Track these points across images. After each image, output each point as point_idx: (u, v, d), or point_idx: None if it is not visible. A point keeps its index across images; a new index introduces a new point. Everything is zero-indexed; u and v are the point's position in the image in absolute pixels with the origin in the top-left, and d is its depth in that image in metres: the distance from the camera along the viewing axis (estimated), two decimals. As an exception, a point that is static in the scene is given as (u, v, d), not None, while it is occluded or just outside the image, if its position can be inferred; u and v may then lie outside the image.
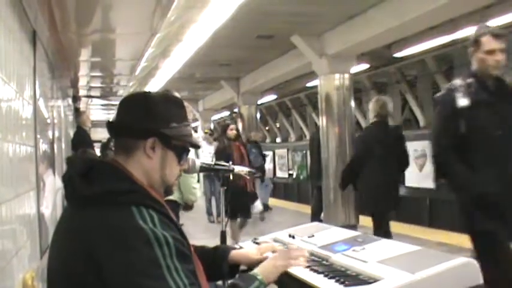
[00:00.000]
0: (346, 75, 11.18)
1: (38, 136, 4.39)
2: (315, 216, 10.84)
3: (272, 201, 15.71)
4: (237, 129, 9.26)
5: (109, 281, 1.74)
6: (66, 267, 1.85)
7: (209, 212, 12.77)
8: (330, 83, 11.15)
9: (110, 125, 2.10)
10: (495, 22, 9.47)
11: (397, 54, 12.63)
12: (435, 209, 14.35)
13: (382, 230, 6.72)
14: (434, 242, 8.33)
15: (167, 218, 1.89)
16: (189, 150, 2.16)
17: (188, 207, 5.74)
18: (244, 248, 2.64)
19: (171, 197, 5.24)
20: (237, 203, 7.84)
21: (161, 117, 2.03)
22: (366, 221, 11.38)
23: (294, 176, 20.60)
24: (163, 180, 2.06)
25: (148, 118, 2.02)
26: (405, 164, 7.52)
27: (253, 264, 2.41)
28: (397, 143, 7.18)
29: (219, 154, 8.72)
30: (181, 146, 2.10)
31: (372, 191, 6.93)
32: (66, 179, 1.97)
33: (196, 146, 2.23)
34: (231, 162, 2.98)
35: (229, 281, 2.11)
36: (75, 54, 7.79)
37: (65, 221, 2.00)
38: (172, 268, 1.77)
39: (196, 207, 11.26)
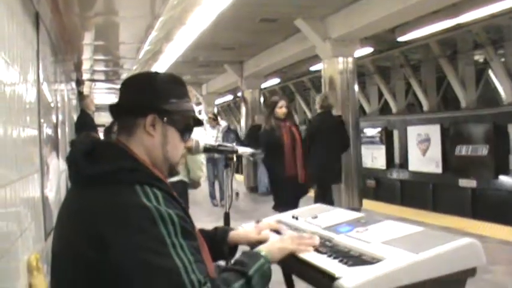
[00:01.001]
0: (350, 59, 11.14)
1: (42, 120, 4.39)
2: (318, 199, 10.84)
3: (276, 185, 15.69)
4: (288, 106, 7.54)
5: (115, 260, 1.74)
6: (70, 247, 1.85)
7: (212, 196, 12.79)
8: (334, 66, 11.12)
9: (111, 108, 2.10)
10: (497, 7, 9.46)
11: (401, 38, 12.59)
12: (439, 194, 14.39)
13: (325, 199, 8.22)
14: (438, 226, 8.36)
15: (170, 196, 1.89)
16: (192, 127, 2.15)
17: (196, 184, 5.75)
18: (243, 228, 2.65)
19: (178, 177, 5.28)
20: (283, 194, 7.27)
21: (159, 94, 2.04)
22: (370, 204, 11.44)
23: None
24: (165, 157, 2.06)
25: (147, 95, 2.03)
26: (345, 145, 9.30)
27: (252, 243, 2.43)
28: (338, 129, 9.04)
29: (266, 138, 7.40)
30: (182, 122, 2.09)
31: (317, 167, 8.33)
32: (70, 160, 1.98)
33: (199, 122, 2.20)
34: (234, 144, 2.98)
35: (233, 259, 2.10)
36: (78, 37, 7.78)
37: (68, 202, 2.00)
38: (177, 245, 1.77)
39: (200, 191, 11.29)
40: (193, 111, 2.16)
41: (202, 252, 1.92)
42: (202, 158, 5.75)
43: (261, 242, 2.33)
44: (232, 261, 2.08)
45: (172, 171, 2.12)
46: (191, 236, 1.86)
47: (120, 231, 1.76)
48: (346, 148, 9.39)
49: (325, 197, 8.56)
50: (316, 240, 2.29)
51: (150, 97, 2.03)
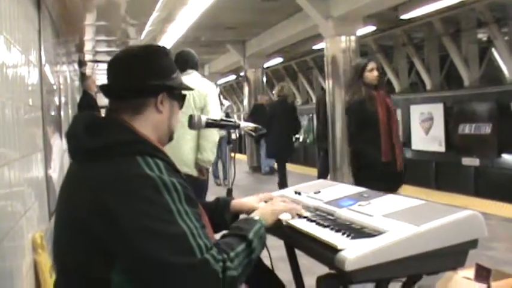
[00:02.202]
0: (353, 38, 11.08)
1: (45, 101, 4.40)
2: (321, 178, 10.87)
3: (279, 165, 15.73)
4: (378, 68, 5.71)
5: (122, 231, 1.76)
6: (75, 222, 1.87)
7: (215, 175, 12.81)
8: (336, 45, 11.08)
9: (107, 88, 2.09)
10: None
11: (404, 16, 12.51)
12: (442, 172, 14.38)
13: (282, 172, 10.83)
14: (441, 204, 8.36)
15: (171, 166, 1.92)
16: (185, 95, 2.20)
17: (204, 170, 5.34)
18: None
19: (185, 171, 4.98)
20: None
21: (163, 72, 2.08)
22: (373, 183, 11.45)
23: (301, 139, 20.63)
24: (169, 129, 2.13)
25: (153, 75, 2.04)
26: (296, 129, 11.29)
27: (253, 211, 2.47)
28: (290, 114, 10.79)
29: (357, 113, 5.61)
30: (181, 94, 2.17)
31: (274, 145, 10.70)
32: (70, 134, 2.00)
33: (189, 88, 2.23)
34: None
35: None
36: (80, 18, 7.76)
37: (70, 177, 2.01)
38: (182, 212, 1.81)
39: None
40: (187, 86, 2.21)
41: (205, 224, 1.95)
42: (216, 135, 5.32)
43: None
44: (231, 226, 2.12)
45: (171, 138, 2.17)
46: (194, 203, 1.89)
47: (125, 202, 1.78)
48: (297, 131, 11.66)
49: (280, 170, 10.97)
50: (301, 209, 2.44)
51: (159, 76, 2.05)
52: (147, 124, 2.03)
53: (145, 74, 2.04)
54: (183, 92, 2.19)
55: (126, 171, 1.83)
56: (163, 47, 2.20)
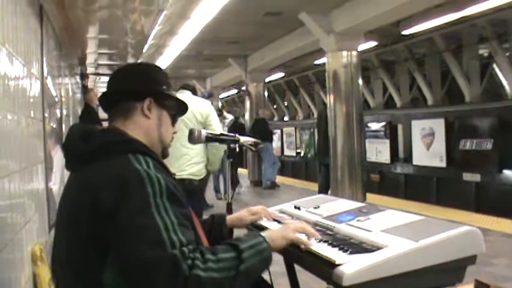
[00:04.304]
0: (354, 53, 11.12)
1: (46, 114, 4.41)
2: (322, 194, 10.87)
3: (280, 179, 15.75)
4: None
5: (109, 227, 1.82)
6: (72, 219, 1.95)
7: (217, 189, 12.80)
8: (338, 60, 11.11)
9: (103, 97, 2.22)
10: (501, 0, 9.43)
11: (405, 32, 12.55)
12: (443, 188, 14.36)
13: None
14: (441, 219, 8.35)
15: (163, 167, 2.00)
16: (177, 115, 2.29)
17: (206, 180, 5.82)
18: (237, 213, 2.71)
19: (186, 176, 5.22)
20: None
21: (153, 80, 2.21)
22: (373, 198, 11.46)
23: (302, 154, 20.61)
24: (160, 139, 2.19)
25: (142, 81, 2.19)
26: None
27: (247, 224, 2.59)
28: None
29: None
30: (173, 107, 2.24)
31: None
32: (66, 145, 2.12)
33: (185, 107, 2.33)
34: (236, 134, 3.00)
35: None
36: (82, 31, 7.78)
37: (68, 185, 2.10)
38: (161, 206, 1.84)
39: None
40: (177, 99, 2.29)
41: (198, 233, 2.02)
42: (221, 150, 5.66)
43: (254, 222, 2.54)
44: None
45: (164, 153, 2.23)
46: (179, 203, 1.91)
47: (113, 200, 1.83)
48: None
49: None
50: (317, 236, 2.26)
51: (146, 82, 2.19)
52: (137, 128, 2.12)
53: (135, 80, 2.19)
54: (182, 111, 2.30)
55: (118, 168, 1.90)
56: (159, 66, 2.36)
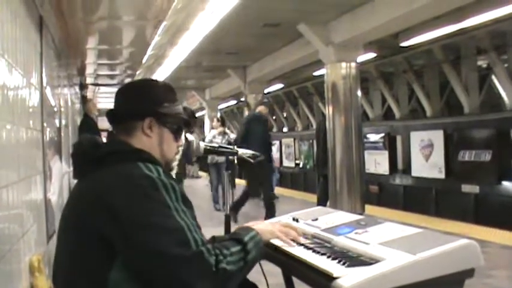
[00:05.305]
0: (353, 64, 11.15)
1: (45, 124, 4.41)
2: (321, 205, 10.84)
3: (279, 191, 15.72)
4: None
5: (124, 226, 1.87)
6: (77, 221, 1.99)
7: (215, 200, 12.79)
8: (337, 71, 11.13)
9: (110, 113, 2.27)
10: (500, 12, 9.47)
11: (404, 44, 12.59)
12: (442, 199, 14.37)
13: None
14: (440, 231, 8.33)
15: (170, 177, 2.05)
16: (182, 128, 2.34)
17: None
18: None
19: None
20: None
21: (154, 99, 2.24)
22: (372, 210, 11.44)
23: (301, 165, 20.64)
24: (162, 155, 2.25)
25: (144, 100, 2.24)
26: None
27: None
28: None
29: None
30: (175, 124, 2.29)
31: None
32: (76, 152, 2.18)
33: (188, 123, 2.39)
34: (235, 146, 3.00)
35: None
36: (82, 41, 7.80)
37: (74, 190, 2.14)
38: (180, 210, 1.94)
39: (203, 196, 11.26)
40: (183, 114, 2.34)
41: None
42: None
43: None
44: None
45: (168, 167, 2.32)
46: (190, 205, 2.05)
47: (127, 199, 1.91)
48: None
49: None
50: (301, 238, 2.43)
51: (147, 102, 2.23)
52: (140, 145, 2.18)
53: (137, 99, 2.25)
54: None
55: (128, 172, 1.97)
56: (166, 82, 2.41)
